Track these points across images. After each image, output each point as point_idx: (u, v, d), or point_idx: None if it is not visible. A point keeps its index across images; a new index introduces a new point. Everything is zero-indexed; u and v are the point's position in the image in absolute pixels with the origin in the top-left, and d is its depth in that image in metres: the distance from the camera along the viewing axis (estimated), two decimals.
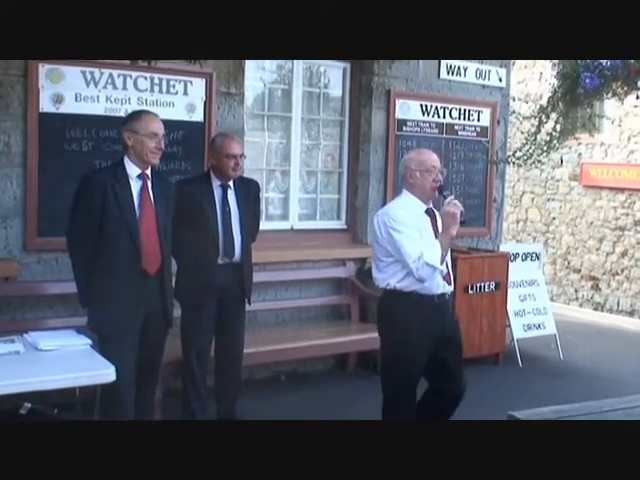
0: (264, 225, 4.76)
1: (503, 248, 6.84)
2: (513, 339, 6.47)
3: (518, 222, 12.12)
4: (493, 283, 6.11)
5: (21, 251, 4.57)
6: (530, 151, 5.14)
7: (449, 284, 3.71)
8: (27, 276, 4.57)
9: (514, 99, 5.63)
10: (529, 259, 6.88)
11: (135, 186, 3.57)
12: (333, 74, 6.06)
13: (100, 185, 3.49)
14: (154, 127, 3.57)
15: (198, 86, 5.10)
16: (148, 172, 3.61)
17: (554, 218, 11.72)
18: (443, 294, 3.68)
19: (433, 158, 3.72)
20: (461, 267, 5.85)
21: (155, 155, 3.57)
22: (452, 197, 3.59)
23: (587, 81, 4.40)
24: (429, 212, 3.72)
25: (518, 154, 5.16)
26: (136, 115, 3.66)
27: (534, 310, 6.73)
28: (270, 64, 5.74)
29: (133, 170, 3.57)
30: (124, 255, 3.51)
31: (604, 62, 4.38)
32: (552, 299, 9.57)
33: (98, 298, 3.56)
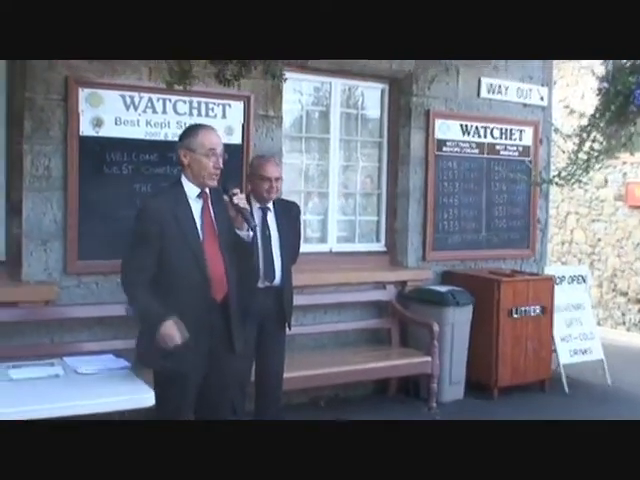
0: (302, 248, 4.70)
1: (548, 271, 6.67)
2: (559, 365, 6.28)
3: (563, 244, 11.87)
4: (538, 307, 5.94)
5: (61, 274, 4.58)
6: (572, 171, 5.01)
7: None
8: (67, 299, 4.58)
9: (567, 107, 5.45)
10: (575, 282, 6.68)
11: (196, 207, 3.31)
12: (371, 95, 6.02)
13: (156, 215, 3.21)
14: (211, 142, 3.29)
15: (236, 109, 5.10)
16: (207, 190, 3.35)
17: (599, 239, 11.45)
18: None
19: None
20: (505, 290, 5.72)
21: (213, 176, 3.30)
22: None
23: None
24: None
25: (563, 174, 5.02)
26: (192, 131, 3.38)
27: (580, 335, 6.53)
28: (308, 86, 5.73)
29: (192, 190, 3.31)
30: (191, 284, 3.22)
31: None
32: (598, 323, 9.31)
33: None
